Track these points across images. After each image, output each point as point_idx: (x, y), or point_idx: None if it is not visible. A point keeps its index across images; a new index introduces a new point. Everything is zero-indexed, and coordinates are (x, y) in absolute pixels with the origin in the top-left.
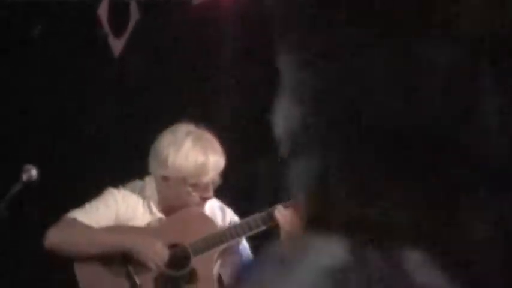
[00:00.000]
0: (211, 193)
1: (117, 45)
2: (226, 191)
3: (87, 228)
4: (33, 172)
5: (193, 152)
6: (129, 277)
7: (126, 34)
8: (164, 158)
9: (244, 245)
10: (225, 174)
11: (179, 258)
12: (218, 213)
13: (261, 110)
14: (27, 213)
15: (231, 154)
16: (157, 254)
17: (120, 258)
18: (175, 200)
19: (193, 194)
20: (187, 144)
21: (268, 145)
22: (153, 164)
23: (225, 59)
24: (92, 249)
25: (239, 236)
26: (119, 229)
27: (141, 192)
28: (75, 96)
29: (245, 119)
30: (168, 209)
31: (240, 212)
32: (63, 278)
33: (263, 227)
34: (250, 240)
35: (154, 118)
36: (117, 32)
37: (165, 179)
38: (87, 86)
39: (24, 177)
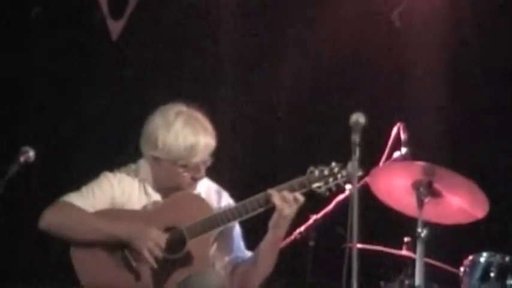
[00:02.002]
0: (202, 173)
1: (115, 27)
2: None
3: (83, 213)
4: (31, 154)
5: (184, 133)
6: (126, 261)
7: (125, 17)
8: (154, 139)
9: (237, 229)
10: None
11: (175, 241)
12: (214, 196)
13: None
14: (24, 194)
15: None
16: (153, 242)
17: (117, 243)
18: (168, 180)
19: (184, 174)
20: (178, 125)
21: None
22: (144, 145)
23: (225, 42)
24: (87, 235)
25: (235, 219)
26: (115, 214)
27: (135, 175)
28: (73, 78)
29: (246, 100)
30: (162, 189)
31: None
32: (59, 258)
33: (259, 210)
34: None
35: (152, 101)
36: (116, 14)
37: (156, 159)
38: (85, 69)
39: (22, 158)
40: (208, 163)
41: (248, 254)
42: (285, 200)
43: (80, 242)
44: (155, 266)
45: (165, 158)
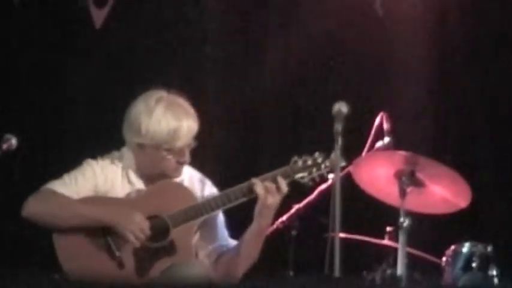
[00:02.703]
0: (187, 157)
1: (99, 16)
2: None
3: (66, 199)
4: (13, 141)
5: (166, 118)
6: (109, 249)
7: (109, 5)
8: (137, 126)
9: (221, 218)
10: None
11: (158, 229)
12: (197, 184)
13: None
14: (6, 182)
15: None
16: (137, 227)
17: (100, 229)
18: (152, 167)
19: (168, 157)
20: (159, 110)
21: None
22: (127, 132)
23: (209, 29)
24: (70, 221)
25: (218, 208)
26: (98, 201)
27: (119, 163)
28: (57, 66)
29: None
30: (146, 176)
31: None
32: (42, 246)
33: (242, 200)
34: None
35: (136, 89)
36: (99, 2)
37: (140, 146)
38: (68, 57)
39: (4, 146)
40: (192, 145)
41: (232, 242)
42: (267, 190)
43: (63, 229)
44: (138, 248)
45: (149, 144)
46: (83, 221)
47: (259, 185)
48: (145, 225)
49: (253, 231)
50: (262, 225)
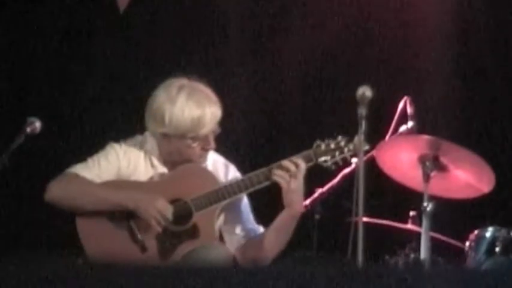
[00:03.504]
0: (212, 144)
1: (123, 1)
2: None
3: (89, 183)
4: (37, 124)
5: (189, 106)
6: (131, 232)
7: None
8: (160, 116)
9: (245, 202)
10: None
11: (181, 213)
12: (221, 169)
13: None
14: (30, 165)
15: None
16: (160, 212)
17: (123, 213)
18: (177, 155)
19: (194, 145)
20: (182, 99)
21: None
22: (150, 122)
23: (232, 15)
24: (93, 205)
25: (241, 191)
26: (121, 184)
27: (141, 147)
28: (80, 50)
29: (253, 73)
30: (170, 163)
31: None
32: (65, 229)
33: (265, 183)
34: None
35: (159, 73)
36: None
37: (164, 135)
38: (92, 40)
39: (28, 129)
40: (217, 132)
41: (260, 228)
42: (287, 170)
43: (85, 213)
44: (161, 231)
45: (173, 133)
46: (106, 205)
47: (276, 172)
48: (168, 209)
49: (285, 217)
50: (293, 210)
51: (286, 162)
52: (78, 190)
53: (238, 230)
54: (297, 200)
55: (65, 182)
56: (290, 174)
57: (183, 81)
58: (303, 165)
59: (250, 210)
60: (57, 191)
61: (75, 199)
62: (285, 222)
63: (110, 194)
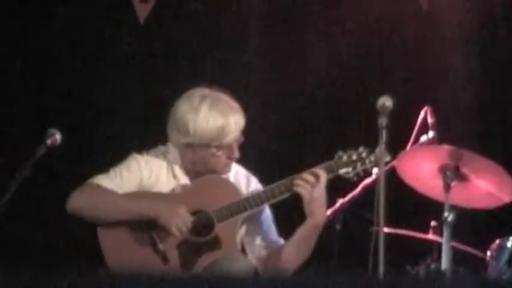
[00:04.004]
0: (236, 152)
1: (143, 10)
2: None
3: (111, 194)
4: (57, 136)
5: (212, 116)
6: (153, 243)
7: None
8: (184, 126)
9: (267, 213)
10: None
11: (203, 224)
12: (243, 180)
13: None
14: (51, 176)
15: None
16: (181, 220)
17: (144, 224)
18: (202, 164)
19: (218, 154)
20: (205, 108)
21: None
22: (173, 133)
23: (251, 24)
24: (115, 215)
25: (262, 203)
26: (143, 195)
27: (164, 158)
28: (101, 61)
29: (274, 84)
30: (193, 173)
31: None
32: (85, 240)
33: (286, 194)
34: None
35: (180, 83)
36: None
37: (189, 145)
38: (112, 51)
39: (49, 141)
40: (241, 141)
41: (281, 239)
42: (306, 183)
43: (107, 223)
44: (183, 242)
45: (198, 143)
46: (127, 215)
47: (296, 183)
48: (188, 218)
49: (308, 227)
50: (315, 220)
51: (306, 173)
52: (100, 200)
53: (258, 241)
54: (318, 210)
55: (87, 193)
56: (311, 184)
57: (205, 90)
58: (323, 175)
59: (272, 222)
60: (79, 201)
61: (97, 209)
62: (307, 232)
63: (132, 203)
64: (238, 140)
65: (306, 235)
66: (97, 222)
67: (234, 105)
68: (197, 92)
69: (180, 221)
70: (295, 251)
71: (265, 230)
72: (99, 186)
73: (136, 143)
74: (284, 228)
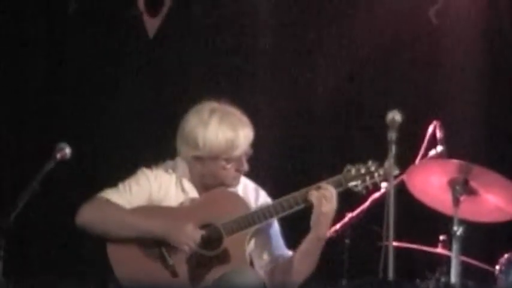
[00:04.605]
0: (245, 165)
1: (152, 24)
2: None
3: (120, 209)
4: (67, 150)
5: (222, 129)
6: (162, 257)
7: (162, 13)
8: (194, 140)
9: (276, 227)
10: None
11: (212, 238)
12: (252, 194)
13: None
14: (61, 190)
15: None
16: (191, 238)
17: (154, 240)
18: (211, 178)
19: (228, 167)
20: (214, 122)
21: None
22: (182, 147)
23: (260, 37)
24: (123, 231)
25: (271, 216)
26: (152, 210)
27: (173, 172)
28: (110, 75)
29: (281, 100)
30: (202, 186)
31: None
32: (95, 254)
33: (296, 208)
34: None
35: (189, 98)
36: (153, 11)
37: (198, 159)
38: (121, 65)
39: (58, 155)
40: (250, 153)
41: (289, 252)
42: (324, 197)
43: (116, 238)
44: (192, 256)
45: (207, 156)
46: (136, 233)
47: (314, 193)
48: (197, 234)
49: (311, 240)
50: (319, 233)
51: (324, 187)
52: (109, 216)
53: (266, 255)
54: (324, 224)
55: (96, 207)
56: (327, 198)
57: (214, 104)
58: (335, 192)
59: (280, 236)
60: (88, 215)
61: (106, 224)
62: (310, 245)
63: (140, 222)
64: (247, 153)
65: (309, 248)
66: (106, 237)
67: (243, 118)
68: (206, 106)
69: (189, 240)
70: (299, 264)
71: (273, 244)
72: (108, 201)
73: (146, 157)
74: (291, 239)
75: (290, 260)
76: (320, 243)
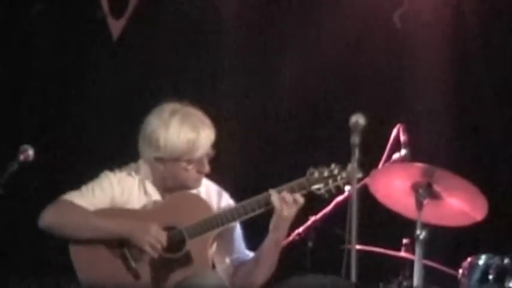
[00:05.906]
0: (207, 167)
1: (116, 27)
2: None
3: (83, 211)
4: (30, 152)
5: (183, 130)
6: (125, 260)
7: (126, 16)
8: (155, 141)
9: (238, 231)
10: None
11: (174, 241)
12: (214, 196)
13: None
14: (23, 192)
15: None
16: (155, 238)
17: (116, 241)
18: (172, 179)
19: (189, 168)
20: (175, 123)
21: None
22: (144, 148)
23: (225, 40)
24: (87, 233)
25: (234, 219)
26: (115, 213)
27: (136, 174)
28: (73, 77)
29: (245, 102)
30: (164, 189)
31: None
32: (59, 256)
33: (258, 211)
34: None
35: (153, 100)
36: (117, 13)
37: (160, 160)
38: (85, 67)
39: (21, 157)
40: (211, 155)
41: (249, 254)
42: (284, 201)
43: (79, 240)
44: (155, 259)
45: (168, 157)
46: (100, 234)
47: (275, 196)
48: (162, 235)
49: (269, 242)
50: (278, 236)
51: (287, 192)
52: (73, 218)
53: (228, 258)
54: (282, 228)
55: (59, 209)
56: (288, 204)
57: (176, 105)
58: (301, 201)
59: (242, 239)
60: (51, 217)
61: (69, 226)
62: (268, 248)
63: (104, 222)
64: (208, 154)
65: (267, 251)
66: (69, 239)
67: (204, 119)
68: (168, 107)
69: (153, 240)
70: (258, 266)
71: (236, 247)
72: (71, 203)
73: (109, 160)
74: (253, 241)
75: (250, 263)
76: (278, 246)
